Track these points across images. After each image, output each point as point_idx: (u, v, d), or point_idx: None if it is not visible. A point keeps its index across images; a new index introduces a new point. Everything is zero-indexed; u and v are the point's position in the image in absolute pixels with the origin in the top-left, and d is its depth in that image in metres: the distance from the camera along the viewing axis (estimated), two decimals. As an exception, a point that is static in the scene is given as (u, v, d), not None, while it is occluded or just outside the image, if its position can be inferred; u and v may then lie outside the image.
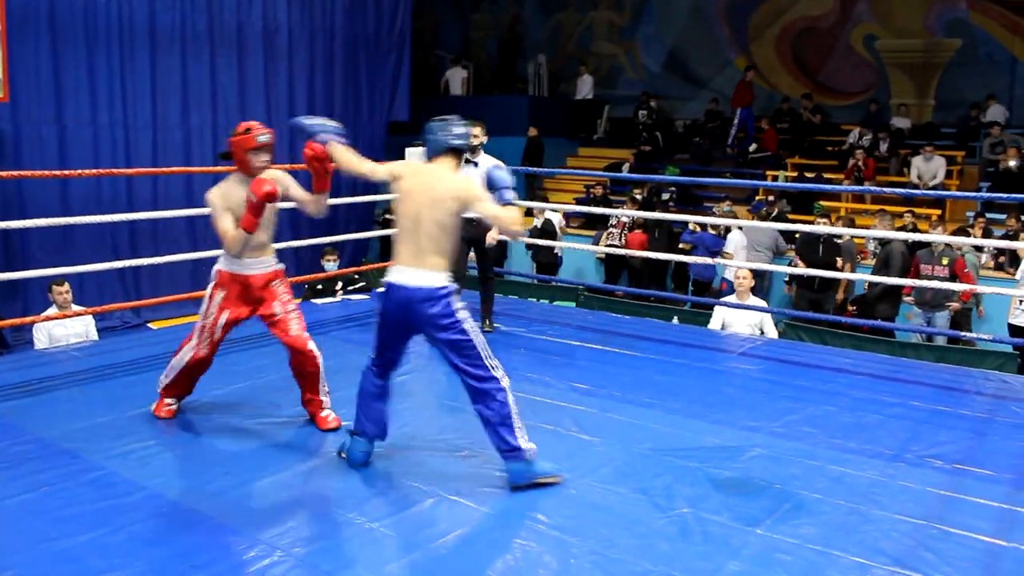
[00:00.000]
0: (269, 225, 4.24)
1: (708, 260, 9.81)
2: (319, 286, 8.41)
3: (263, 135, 4.18)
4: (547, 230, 11.06)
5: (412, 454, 4.01)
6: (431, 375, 5.47)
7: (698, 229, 10.62)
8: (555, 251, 11.26)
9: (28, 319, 6.71)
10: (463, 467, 3.83)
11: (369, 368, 3.82)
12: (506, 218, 3.67)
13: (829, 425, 4.51)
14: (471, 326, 3.57)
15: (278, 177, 4.24)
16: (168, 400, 4.42)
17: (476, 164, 6.18)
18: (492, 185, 3.81)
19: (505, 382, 3.58)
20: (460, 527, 3.27)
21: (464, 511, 3.41)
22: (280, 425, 4.34)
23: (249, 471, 3.76)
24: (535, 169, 13.65)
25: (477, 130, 6.27)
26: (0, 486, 3.54)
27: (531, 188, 14.90)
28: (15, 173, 7.10)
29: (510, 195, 3.77)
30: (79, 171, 7.79)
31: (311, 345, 4.27)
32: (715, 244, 10.43)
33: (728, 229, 10.46)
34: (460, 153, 3.79)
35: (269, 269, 4.30)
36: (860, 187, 11.09)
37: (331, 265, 8.55)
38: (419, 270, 3.54)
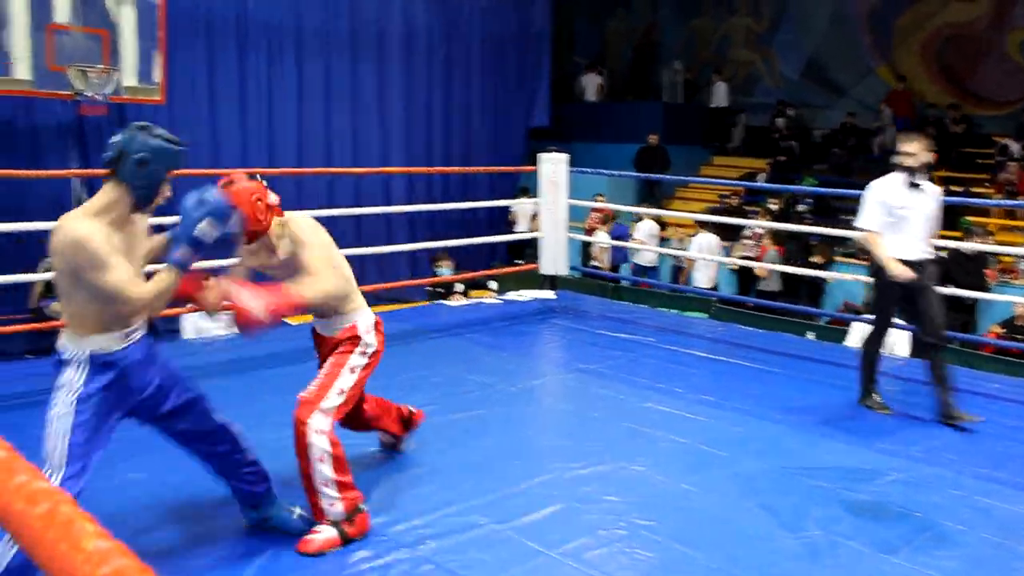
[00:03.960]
0: None
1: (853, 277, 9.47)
2: (439, 289, 8.56)
3: None
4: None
5: (537, 460, 4.02)
6: (560, 383, 5.50)
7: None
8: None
9: (178, 310, 7.06)
10: (587, 475, 3.82)
11: None
12: (147, 299, 2.65)
13: (975, 453, 4.28)
14: (62, 409, 2.64)
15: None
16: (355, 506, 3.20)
17: (920, 188, 4.67)
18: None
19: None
20: (582, 535, 3.25)
21: (586, 519, 3.39)
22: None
23: (376, 464, 3.86)
24: (666, 177, 13.48)
25: (914, 146, 4.62)
26: (144, 467, 3.74)
27: (653, 197, 14.77)
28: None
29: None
30: (227, 171, 8.12)
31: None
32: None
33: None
34: (125, 183, 2.68)
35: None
36: (1013, 202, 10.47)
37: (444, 271, 8.67)
38: None
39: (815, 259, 10.52)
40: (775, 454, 4.14)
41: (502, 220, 13.46)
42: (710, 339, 6.46)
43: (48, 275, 6.70)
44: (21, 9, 8.24)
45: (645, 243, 11.18)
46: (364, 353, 3.31)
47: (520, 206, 12.67)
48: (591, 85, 17.15)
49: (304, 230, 3.24)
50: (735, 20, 17.45)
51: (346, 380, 3.22)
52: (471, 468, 3.87)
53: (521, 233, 11.94)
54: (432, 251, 8.97)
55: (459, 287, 8.59)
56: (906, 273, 4.56)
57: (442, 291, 8.60)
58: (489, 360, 5.70)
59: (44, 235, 2.88)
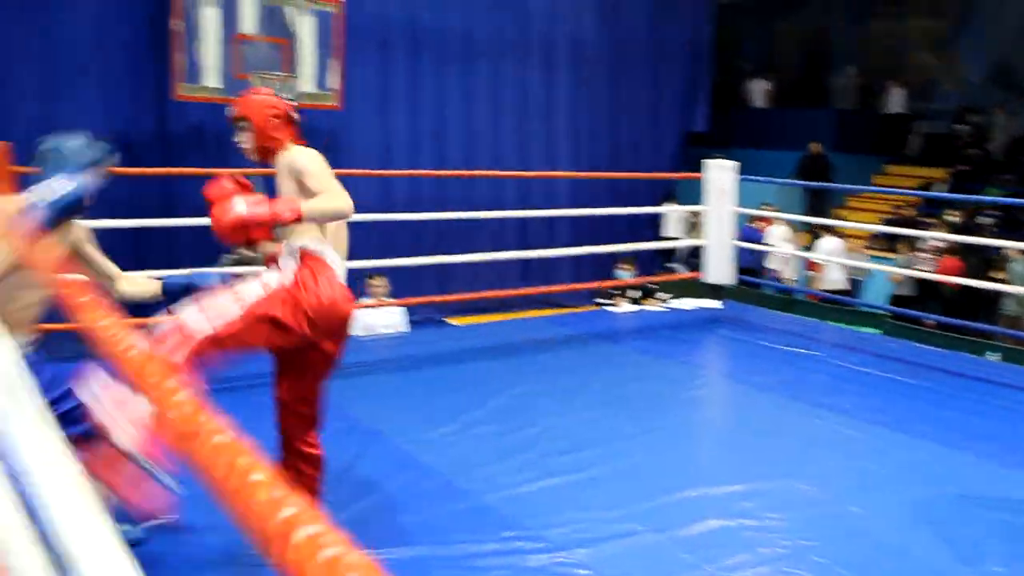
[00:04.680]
0: None
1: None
2: (612, 292, 8.54)
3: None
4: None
5: (698, 472, 3.95)
6: (724, 395, 5.40)
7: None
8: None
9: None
10: (749, 490, 3.71)
11: None
12: None
13: None
14: None
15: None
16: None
17: None
18: None
19: None
20: (741, 552, 3.16)
21: (748, 536, 3.30)
22: (584, 423, 4.43)
23: (534, 466, 3.88)
24: (834, 186, 13.01)
25: None
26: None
27: (817, 206, 14.25)
28: (344, 171, 7.78)
29: None
30: (392, 171, 8.38)
31: None
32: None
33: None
34: None
35: None
36: None
37: (624, 274, 8.63)
38: None
39: (996, 275, 9.90)
40: (953, 481, 3.91)
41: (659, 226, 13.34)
42: (883, 356, 6.16)
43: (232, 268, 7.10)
44: (212, 23, 8.80)
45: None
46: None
47: (669, 213, 12.51)
48: (758, 90, 16.74)
49: (305, 156, 3.10)
50: (913, 21, 16.62)
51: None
52: (631, 475, 3.84)
53: (681, 240, 11.79)
54: (607, 256, 8.97)
55: (634, 293, 8.55)
56: None
57: (616, 292, 8.59)
58: (653, 368, 5.64)
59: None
